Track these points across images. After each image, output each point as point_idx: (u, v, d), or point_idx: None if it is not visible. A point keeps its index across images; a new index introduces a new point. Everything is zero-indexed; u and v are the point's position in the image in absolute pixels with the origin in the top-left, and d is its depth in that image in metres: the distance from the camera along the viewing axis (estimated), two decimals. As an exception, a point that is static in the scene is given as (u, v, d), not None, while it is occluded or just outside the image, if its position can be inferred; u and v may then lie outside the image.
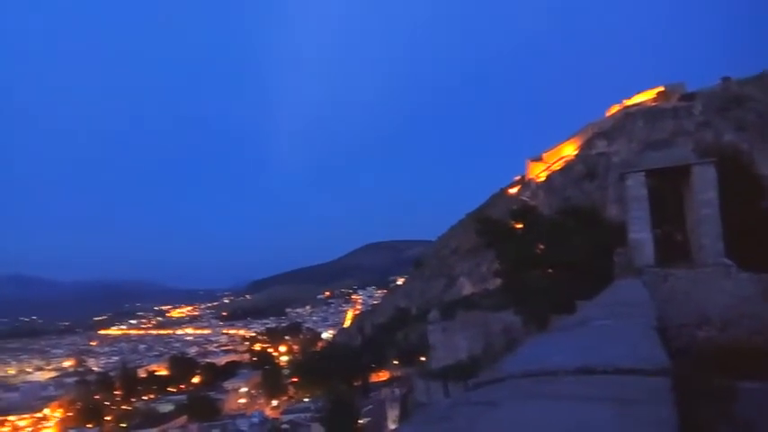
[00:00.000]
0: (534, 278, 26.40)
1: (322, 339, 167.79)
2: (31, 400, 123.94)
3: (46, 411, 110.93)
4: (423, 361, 62.35)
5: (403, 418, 41.60)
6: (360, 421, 38.68)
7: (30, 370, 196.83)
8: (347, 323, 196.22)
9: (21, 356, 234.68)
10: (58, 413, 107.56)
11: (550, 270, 26.89)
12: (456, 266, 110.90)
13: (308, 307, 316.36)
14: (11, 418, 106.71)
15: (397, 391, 56.95)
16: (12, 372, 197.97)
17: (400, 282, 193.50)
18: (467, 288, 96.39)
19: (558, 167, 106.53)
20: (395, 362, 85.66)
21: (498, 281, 34.05)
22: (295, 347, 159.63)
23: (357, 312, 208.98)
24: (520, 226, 30.62)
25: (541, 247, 27.81)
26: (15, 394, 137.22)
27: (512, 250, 28.25)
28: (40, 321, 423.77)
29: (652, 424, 2.73)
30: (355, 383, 76.15)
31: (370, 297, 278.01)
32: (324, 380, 77.28)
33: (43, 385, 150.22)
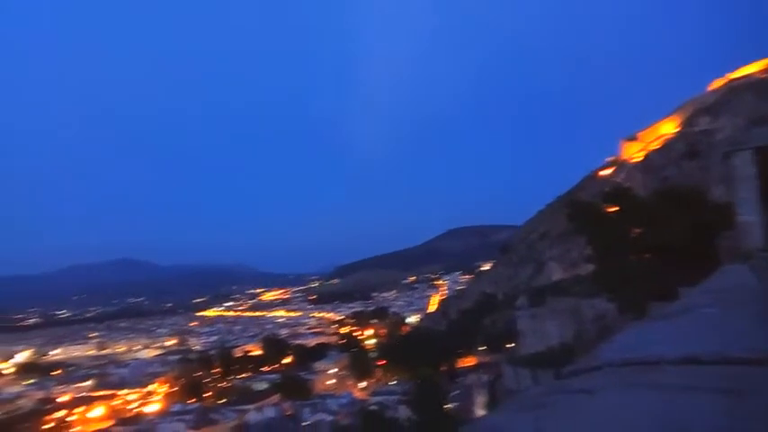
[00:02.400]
0: (630, 263, 25.18)
1: (407, 324, 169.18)
2: (139, 375, 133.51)
3: (152, 387, 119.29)
4: (510, 347, 61.44)
5: (492, 404, 41.26)
6: (447, 405, 38.79)
7: (137, 348, 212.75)
8: (432, 308, 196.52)
9: (129, 335, 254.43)
10: (164, 388, 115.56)
11: (647, 255, 25.53)
12: (545, 252, 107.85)
13: (393, 292, 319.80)
14: (122, 392, 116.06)
15: (484, 377, 56.50)
16: (121, 349, 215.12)
17: (486, 267, 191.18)
18: (556, 274, 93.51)
19: (656, 147, 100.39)
20: (481, 348, 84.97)
21: (590, 266, 32.72)
22: (381, 331, 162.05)
23: (442, 297, 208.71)
24: (614, 209, 29.23)
25: (637, 230, 26.43)
26: (125, 370, 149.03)
27: (605, 234, 27.06)
28: (146, 303, 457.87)
29: (765, 418, 2.58)
30: (442, 368, 76.31)
31: (454, 282, 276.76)
32: (410, 364, 77.97)
33: (149, 362, 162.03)
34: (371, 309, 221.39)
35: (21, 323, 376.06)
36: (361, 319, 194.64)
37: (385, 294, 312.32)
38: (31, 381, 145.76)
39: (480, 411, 44.24)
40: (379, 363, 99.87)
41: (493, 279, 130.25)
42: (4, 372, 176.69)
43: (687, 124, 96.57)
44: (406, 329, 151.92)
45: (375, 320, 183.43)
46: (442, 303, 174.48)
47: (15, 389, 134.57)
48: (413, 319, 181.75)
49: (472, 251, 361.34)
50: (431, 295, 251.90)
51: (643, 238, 25.56)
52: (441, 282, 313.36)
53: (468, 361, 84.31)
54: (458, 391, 55.20)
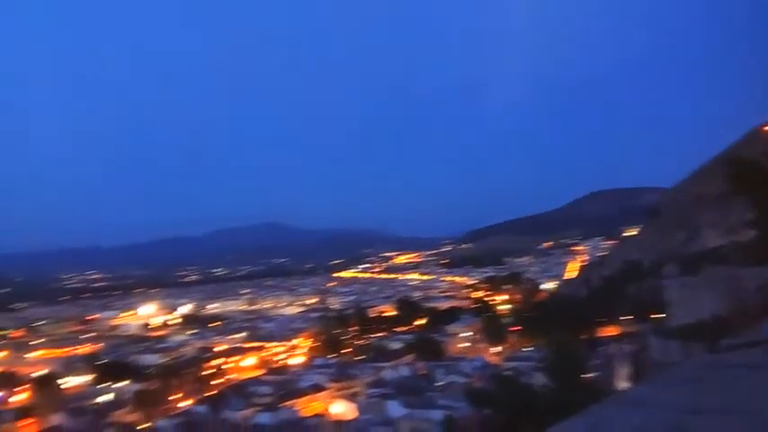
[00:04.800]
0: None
1: (542, 290, 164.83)
2: (285, 330, 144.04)
3: (296, 341, 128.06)
4: (657, 318, 57.57)
5: (636, 376, 39.21)
6: (587, 375, 37.46)
7: (282, 305, 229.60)
8: (570, 275, 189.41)
9: (275, 293, 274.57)
10: (306, 343, 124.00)
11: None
12: (699, 216, 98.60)
13: (527, 257, 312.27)
14: (269, 344, 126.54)
15: (627, 347, 53.72)
16: (268, 305, 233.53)
17: (631, 232, 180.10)
18: (712, 240, 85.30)
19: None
20: (624, 317, 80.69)
21: (752, 232, 29.39)
22: (515, 297, 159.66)
23: (582, 264, 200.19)
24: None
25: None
26: (272, 325, 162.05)
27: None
28: (288, 264, 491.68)
29: None
30: (581, 337, 73.65)
31: (594, 248, 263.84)
32: (547, 330, 76.11)
33: (293, 318, 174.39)
34: (504, 274, 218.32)
35: (183, 279, 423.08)
36: (494, 284, 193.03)
37: (518, 260, 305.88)
38: (193, 331, 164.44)
39: (623, 383, 42.24)
40: (513, 328, 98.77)
41: (638, 245, 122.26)
42: (170, 322, 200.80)
43: None
44: (541, 296, 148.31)
45: (509, 286, 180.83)
46: (583, 270, 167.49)
47: (180, 338, 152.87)
48: (549, 285, 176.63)
49: (615, 215, 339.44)
50: (568, 262, 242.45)
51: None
52: (579, 247, 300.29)
53: (610, 330, 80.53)
54: (598, 361, 53.05)
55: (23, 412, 77.79)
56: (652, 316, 61.12)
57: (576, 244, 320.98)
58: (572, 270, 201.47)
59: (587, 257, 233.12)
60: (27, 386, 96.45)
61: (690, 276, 43.45)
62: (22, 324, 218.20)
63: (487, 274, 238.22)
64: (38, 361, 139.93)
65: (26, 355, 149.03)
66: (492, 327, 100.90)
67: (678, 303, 42.38)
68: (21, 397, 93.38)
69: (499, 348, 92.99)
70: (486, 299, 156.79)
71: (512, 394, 19.55)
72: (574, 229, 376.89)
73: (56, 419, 71.25)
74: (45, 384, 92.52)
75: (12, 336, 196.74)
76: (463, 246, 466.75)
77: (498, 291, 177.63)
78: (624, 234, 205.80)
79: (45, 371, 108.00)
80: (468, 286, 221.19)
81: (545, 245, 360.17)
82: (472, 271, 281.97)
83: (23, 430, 70.25)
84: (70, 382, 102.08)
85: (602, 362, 52.61)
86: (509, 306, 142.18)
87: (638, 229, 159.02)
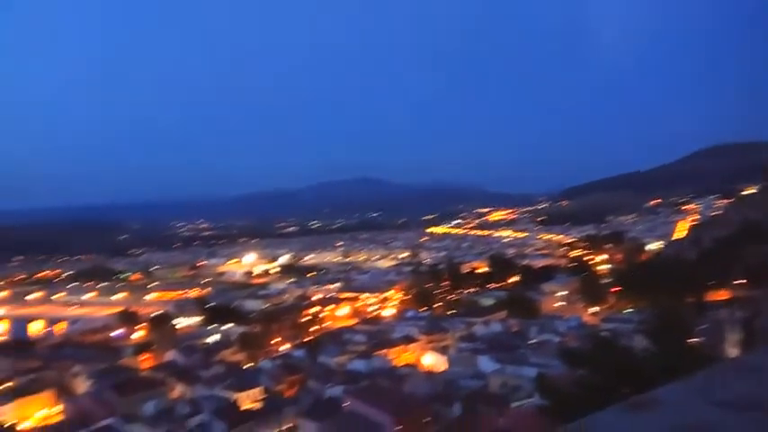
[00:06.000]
0: None
1: (646, 251, 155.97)
2: (377, 282, 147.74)
3: (388, 293, 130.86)
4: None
5: (747, 343, 36.26)
6: (692, 340, 35.17)
7: (375, 258, 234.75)
8: (678, 235, 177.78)
9: (369, 246, 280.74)
10: (398, 296, 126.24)
11: None
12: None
13: (631, 215, 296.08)
14: (363, 295, 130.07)
15: (738, 312, 49.80)
16: (362, 258, 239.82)
17: (750, 191, 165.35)
18: None
19: None
20: (737, 281, 74.77)
21: None
22: (616, 257, 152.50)
23: (693, 223, 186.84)
24: None
25: None
26: (366, 277, 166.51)
27: None
28: (382, 218, 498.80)
29: None
30: (687, 300, 69.29)
31: (708, 207, 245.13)
32: (650, 292, 72.37)
33: (386, 271, 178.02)
34: (605, 233, 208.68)
35: (282, 231, 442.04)
36: (593, 243, 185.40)
37: (621, 218, 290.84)
38: (292, 280, 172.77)
39: (732, 350, 39.31)
40: (613, 289, 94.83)
41: (758, 204, 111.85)
42: (270, 271, 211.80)
43: None
44: (645, 256, 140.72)
45: (609, 245, 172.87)
46: (693, 230, 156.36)
47: (280, 285, 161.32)
48: (654, 245, 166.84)
49: (732, 172, 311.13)
50: (677, 221, 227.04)
51: None
52: (691, 206, 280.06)
53: (721, 294, 75.10)
54: (705, 326, 49.68)
55: (142, 348, 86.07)
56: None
57: (687, 202, 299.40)
58: (681, 230, 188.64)
59: (699, 217, 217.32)
60: (144, 325, 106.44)
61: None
62: (140, 268, 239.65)
63: (587, 233, 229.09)
64: (153, 302, 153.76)
65: (143, 297, 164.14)
66: (590, 286, 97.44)
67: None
68: (139, 334, 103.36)
69: (597, 309, 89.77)
70: (584, 258, 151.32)
71: (609, 355, 18.54)
72: (685, 186, 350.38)
73: (170, 356, 78.13)
74: (160, 324, 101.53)
75: (131, 279, 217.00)
76: (561, 203, 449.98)
77: (598, 250, 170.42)
78: (742, 192, 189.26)
79: (160, 311, 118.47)
80: (565, 244, 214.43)
81: (652, 203, 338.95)
82: (570, 229, 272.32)
83: (142, 364, 77.55)
84: (182, 322, 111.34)
85: (710, 327, 49.17)
86: (609, 266, 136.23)
87: (757, 188, 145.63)
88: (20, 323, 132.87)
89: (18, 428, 53.96)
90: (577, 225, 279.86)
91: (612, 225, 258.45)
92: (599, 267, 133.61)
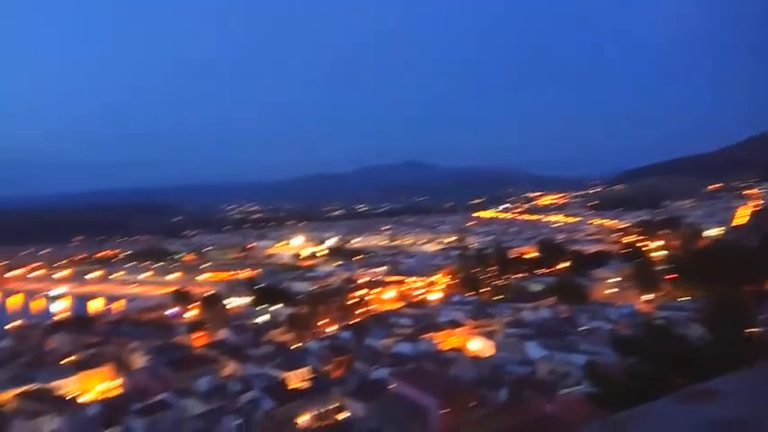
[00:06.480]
0: None
1: (704, 237, 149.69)
2: (424, 266, 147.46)
3: (435, 277, 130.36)
4: None
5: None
6: (751, 330, 33.59)
7: (422, 241, 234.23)
8: (739, 220, 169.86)
9: (415, 230, 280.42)
10: (445, 280, 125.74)
11: None
12: None
13: (689, 200, 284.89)
14: (409, 279, 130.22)
15: (805, 303, 47.21)
16: (408, 242, 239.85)
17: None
18: None
19: None
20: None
21: None
22: (672, 243, 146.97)
23: (756, 209, 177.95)
24: None
25: None
26: (412, 260, 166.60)
27: None
28: (428, 201, 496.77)
29: None
30: (748, 289, 66.20)
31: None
32: (708, 280, 69.50)
33: (432, 255, 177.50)
34: (662, 218, 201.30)
35: (329, 214, 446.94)
36: (648, 229, 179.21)
37: (679, 203, 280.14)
38: (339, 263, 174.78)
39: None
40: (668, 276, 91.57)
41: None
42: (318, 254, 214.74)
43: None
44: (703, 243, 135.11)
45: (665, 231, 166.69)
46: (755, 216, 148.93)
47: (327, 268, 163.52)
48: (713, 231, 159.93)
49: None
50: (738, 207, 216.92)
51: None
52: (753, 191, 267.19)
53: (785, 284, 71.33)
54: (766, 316, 47.40)
55: (195, 326, 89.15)
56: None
57: (749, 187, 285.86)
58: (742, 216, 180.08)
59: (761, 202, 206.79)
60: (197, 304, 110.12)
61: None
62: (193, 249, 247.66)
63: (641, 218, 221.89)
64: (206, 282, 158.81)
65: (196, 277, 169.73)
66: (644, 273, 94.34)
67: None
68: (192, 313, 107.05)
69: (650, 296, 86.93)
70: (638, 244, 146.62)
71: (663, 344, 17.89)
72: (747, 170, 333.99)
73: (221, 334, 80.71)
74: (212, 303, 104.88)
75: (184, 259, 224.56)
76: (615, 187, 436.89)
77: (653, 236, 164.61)
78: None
79: (212, 291, 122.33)
80: (618, 230, 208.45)
81: (711, 187, 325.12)
82: (624, 214, 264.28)
83: (195, 341, 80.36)
84: (233, 302, 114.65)
85: (772, 317, 46.89)
86: (664, 252, 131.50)
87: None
88: (81, 300, 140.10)
89: (79, 400, 56.92)
90: (632, 210, 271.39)
91: (669, 210, 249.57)
92: (654, 254, 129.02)
